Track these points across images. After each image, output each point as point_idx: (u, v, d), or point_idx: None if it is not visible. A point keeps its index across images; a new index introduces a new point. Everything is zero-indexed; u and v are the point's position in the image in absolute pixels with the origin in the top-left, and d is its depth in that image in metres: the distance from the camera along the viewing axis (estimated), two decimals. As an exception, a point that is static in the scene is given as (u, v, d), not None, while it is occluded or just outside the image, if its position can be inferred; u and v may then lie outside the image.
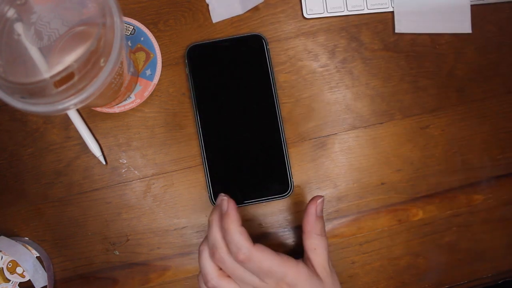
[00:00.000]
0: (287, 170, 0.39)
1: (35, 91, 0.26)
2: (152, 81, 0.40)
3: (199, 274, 0.34)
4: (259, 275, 0.31)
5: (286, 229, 0.41)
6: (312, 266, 0.34)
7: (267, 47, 0.40)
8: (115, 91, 0.34)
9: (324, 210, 0.40)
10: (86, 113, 0.41)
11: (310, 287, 0.32)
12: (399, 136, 0.41)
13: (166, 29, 0.41)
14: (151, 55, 0.41)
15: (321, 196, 0.35)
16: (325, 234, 0.35)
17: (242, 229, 0.32)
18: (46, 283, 0.40)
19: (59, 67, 0.25)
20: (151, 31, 0.41)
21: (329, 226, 0.41)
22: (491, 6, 0.41)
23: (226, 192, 0.39)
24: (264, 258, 0.31)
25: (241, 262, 0.31)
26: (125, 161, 0.41)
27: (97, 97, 0.27)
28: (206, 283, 0.33)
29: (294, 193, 0.41)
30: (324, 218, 0.40)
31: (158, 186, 0.41)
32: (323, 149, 0.41)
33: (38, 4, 0.26)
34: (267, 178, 0.39)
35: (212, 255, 0.33)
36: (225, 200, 0.33)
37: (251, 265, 0.31)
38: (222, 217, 0.32)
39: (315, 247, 0.34)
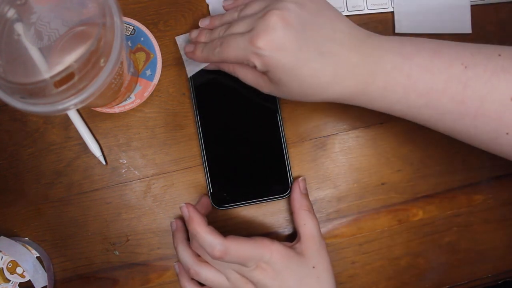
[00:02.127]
0: (287, 170, 0.39)
1: (35, 91, 0.26)
2: (152, 81, 0.40)
3: (180, 271, 0.36)
4: (240, 262, 0.32)
5: (286, 229, 0.41)
6: (300, 242, 0.35)
7: (267, 47, 0.40)
8: (115, 91, 0.34)
9: (324, 210, 0.41)
10: (86, 113, 0.41)
11: (287, 262, 0.32)
12: (399, 136, 0.41)
13: (166, 29, 0.41)
14: (151, 55, 0.41)
15: (301, 176, 0.39)
16: (313, 212, 0.37)
17: (209, 228, 0.32)
18: (46, 283, 0.40)
19: (59, 67, 0.25)
20: (151, 31, 0.41)
21: (329, 226, 0.41)
22: (491, 6, 0.41)
23: (226, 192, 0.39)
24: (239, 247, 0.31)
25: (219, 258, 0.31)
26: (125, 161, 0.41)
27: (97, 97, 0.27)
28: (187, 271, 0.34)
29: (294, 193, 0.41)
30: (324, 218, 0.41)
31: (158, 186, 0.41)
32: (323, 149, 0.41)
33: (38, 4, 0.26)
34: (267, 178, 0.39)
35: (187, 271, 0.34)
36: (183, 207, 0.33)
37: (229, 258, 0.31)
38: (187, 223, 0.33)
39: (304, 222, 0.36)
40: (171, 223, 0.39)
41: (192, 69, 0.38)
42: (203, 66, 0.38)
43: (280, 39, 0.29)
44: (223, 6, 0.36)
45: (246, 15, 0.32)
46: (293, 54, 0.29)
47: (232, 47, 0.31)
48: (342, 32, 0.30)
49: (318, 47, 0.29)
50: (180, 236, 0.37)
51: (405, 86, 0.29)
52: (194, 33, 0.37)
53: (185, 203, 0.34)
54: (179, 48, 0.39)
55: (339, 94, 0.31)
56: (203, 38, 0.36)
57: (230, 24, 0.33)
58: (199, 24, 0.37)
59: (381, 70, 0.29)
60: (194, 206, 0.34)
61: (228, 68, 0.35)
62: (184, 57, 0.39)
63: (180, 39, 0.40)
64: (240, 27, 0.31)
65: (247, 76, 0.34)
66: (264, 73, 0.31)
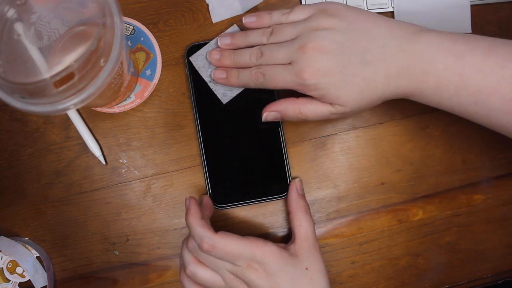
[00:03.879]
0: (286, 170, 0.39)
1: (35, 91, 0.26)
2: (152, 81, 0.40)
3: (181, 265, 0.36)
4: (229, 259, 0.32)
5: (286, 229, 0.41)
6: (294, 242, 0.35)
7: (267, 47, 0.40)
8: (115, 91, 0.34)
9: (324, 210, 0.40)
10: (86, 113, 0.41)
11: (280, 263, 0.32)
12: (399, 136, 0.41)
13: (166, 29, 0.41)
14: (151, 55, 0.41)
15: (298, 177, 0.39)
16: (309, 213, 0.37)
17: (202, 222, 0.33)
18: (46, 283, 0.40)
19: (59, 67, 0.25)
20: (151, 31, 0.41)
21: (329, 226, 0.41)
22: (491, 6, 0.41)
23: (226, 192, 0.39)
24: (228, 242, 0.32)
25: (207, 252, 0.32)
26: (125, 161, 0.41)
27: (97, 97, 0.27)
28: (184, 269, 0.34)
29: (294, 193, 0.41)
30: (324, 218, 0.41)
31: (158, 186, 0.41)
32: (323, 149, 0.41)
33: (38, 4, 0.26)
34: (266, 178, 0.39)
35: (184, 270, 0.34)
36: (186, 199, 0.35)
37: (217, 252, 0.32)
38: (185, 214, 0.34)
39: (300, 223, 0.36)
40: (185, 199, 0.37)
41: (227, 95, 0.38)
42: (239, 90, 0.38)
43: (323, 67, 0.31)
44: (245, 23, 0.36)
45: (278, 41, 0.34)
46: (340, 74, 0.31)
47: (277, 80, 0.33)
48: (383, 36, 0.31)
49: (362, 58, 0.31)
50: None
51: (457, 85, 0.30)
52: (216, 55, 0.37)
53: (189, 196, 0.35)
54: (197, 68, 0.38)
55: (394, 93, 0.32)
56: (227, 61, 0.36)
57: (260, 50, 0.34)
58: (219, 43, 0.37)
59: (433, 69, 0.30)
60: (196, 200, 0.35)
61: (293, 113, 0.35)
62: (206, 80, 0.38)
63: (195, 59, 0.38)
64: (278, 57, 0.33)
65: (316, 113, 0.34)
66: (322, 99, 0.33)
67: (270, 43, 0.34)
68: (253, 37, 0.35)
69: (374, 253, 0.41)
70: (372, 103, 0.33)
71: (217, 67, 0.37)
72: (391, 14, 0.41)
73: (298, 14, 0.34)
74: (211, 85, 0.38)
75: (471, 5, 0.41)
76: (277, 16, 0.35)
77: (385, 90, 0.32)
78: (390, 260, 0.41)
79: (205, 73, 0.38)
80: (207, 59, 0.38)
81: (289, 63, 0.33)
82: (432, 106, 0.32)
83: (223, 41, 0.37)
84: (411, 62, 0.30)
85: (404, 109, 0.41)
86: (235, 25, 0.38)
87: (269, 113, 0.35)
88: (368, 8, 0.41)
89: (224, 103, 0.38)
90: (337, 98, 0.32)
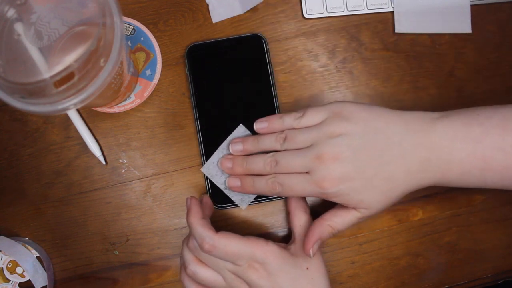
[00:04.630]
0: (287, 170, 0.39)
1: (35, 91, 0.26)
2: (152, 81, 0.40)
3: (181, 265, 0.36)
4: (229, 259, 0.32)
5: (286, 229, 0.41)
6: (294, 242, 0.35)
7: (267, 47, 0.40)
8: (115, 91, 0.34)
9: (324, 210, 0.40)
10: (86, 113, 0.41)
11: (281, 263, 0.32)
12: (399, 136, 0.41)
13: (166, 29, 0.41)
14: (151, 55, 0.41)
15: None
16: (309, 213, 0.37)
17: (203, 221, 0.33)
18: (46, 283, 0.40)
19: (59, 67, 0.25)
20: (151, 31, 0.41)
21: (329, 226, 0.41)
22: (491, 6, 0.41)
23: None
24: (229, 242, 0.32)
25: (207, 252, 0.32)
26: (125, 161, 0.41)
27: (97, 97, 0.27)
28: (185, 269, 0.34)
29: (294, 193, 0.40)
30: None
31: (158, 186, 0.41)
32: (323, 149, 0.40)
33: (38, 4, 0.26)
34: (267, 178, 0.39)
35: (185, 269, 0.34)
36: (188, 199, 0.35)
37: (218, 252, 0.32)
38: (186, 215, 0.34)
39: (300, 223, 0.36)
40: (186, 199, 0.37)
41: (245, 200, 0.38)
42: (256, 195, 0.38)
43: (342, 174, 0.31)
44: (256, 129, 0.36)
45: (292, 148, 0.33)
46: (360, 178, 0.31)
47: (295, 190, 0.33)
48: (398, 133, 0.31)
49: (380, 160, 0.31)
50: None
51: (481, 168, 0.30)
52: (228, 163, 0.36)
53: (191, 196, 0.35)
54: (210, 177, 0.37)
55: (418, 186, 0.32)
56: (240, 169, 0.35)
57: (274, 158, 0.33)
58: (231, 149, 0.36)
59: (455, 159, 0.30)
60: (197, 200, 0.35)
61: (328, 233, 0.34)
62: (221, 187, 0.37)
63: (207, 168, 0.37)
64: (294, 166, 0.32)
65: (345, 223, 0.33)
66: (345, 204, 0.32)
67: (284, 150, 0.34)
68: (266, 143, 0.35)
69: (374, 253, 0.41)
70: (396, 199, 0.32)
71: (230, 175, 0.37)
72: (391, 14, 0.41)
73: (310, 119, 0.33)
74: (226, 192, 0.37)
75: (471, 5, 0.41)
76: (289, 121, 0.34)
77: (407, 186, 0.31)
78: (390, 260, 0.41)
79: (219, 181, 0.37)
80: (218, 167, 0.37)
81: (306, 172, 0.32)
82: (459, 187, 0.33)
83: (235, 147, 0.36)
84: (431, 156, 0.30)
85: (404, 109, 0.40)
86: (241, 125, 0.37)
87: (313, 247, 0.33)
88: (368, 8, 0.41)
89: (243, 208, 0.38)
90: (360, 202, 0.32)
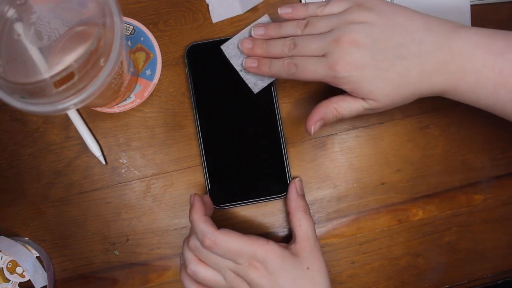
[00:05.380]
0: (286, 170, 0.39)
1: (35, 91, 0.26)
2: (152, 81, 0.40)
3: (182, 264, 0.36)
4: (230, 257, 0.32)
5: (286, 229, 0.41)
6: (295, 242, 0.35)
7: (267, 47, 0.40)
8: (115, 91, 0.34)
9: (324, 210, 0.41)
10: (86, 113, 0.41)
11: (282, 263, 0.32)
12: (399, 136, 0.41)
13: (166, 29, 0.41)
14: (151, 55, 0.41)
15: (297, 177, 0.39)
16: (309, 213, 0.37)
17: (205, 218, 0.33)
18: (46, 283, 0.40)
19: (59, 67, 0.25)
20: (151, 31, 0.41)
21: (329, 226, 0.41)
22: (491, 6, 0.41)
23: (226, 192, 0.39)
24: (230, 240, 0.32)
25: (209, 248, 0.32)
26: (125, 161, 0.41)
27: (97, 97, 0.27)
28: (185, 268, 0.34)
29: (294, 193, 0.41)
30: (324, 218, 0.41)
31: (158, 186, 0.41)
32: (323, 149, 0.41)
33: (38, 4, 0.26)
34: (266, 178, 0.39)
35: (185, 269, 0.34)
36: (191, 196, 0.36)
37: (218, 249, 0.32)
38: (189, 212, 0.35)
39: (300, 223, 0.36)
40: (190, 196, 0.38)
41: (258, 84, 0.38)
42: (271, 80, 0.38)
43: (357, 61, 0.31)
44: (280, 14, 0.36)
45: (312, 33, 0.33)
46: (373, 68, 0.31)
47: (309, 71, 0.33)
48: (419, 32, 0.31)
49: (396, 53, 0.31)
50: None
51: (496, 82, 0.29)
52: (248, 44, 0.36)
53: (194, 193, 0.36)
54: (228, 57, 0.38)
55: (429, 90, 0.31)
56: (259, 50, 0.36)
57: (293, 41, 0.34)
58: (252, 33, 0.37)
59: (471, 67, 0.30)
60: (201, 197, 0.35)
61: (332, 114, 0.34)
62: (237, 68, 0.37)
63: (226, 48, 0.38)
64: (311, 49, 0.33)
65: (351, 110, 0.33)
66: (354, 93, 0.32)
67: (304, 35, 0.34)
68: (288, 29, 0.35)
69: (374, 253, 0.41)
70: (405, 99, 0.32)
71: (249, 56, 0.37)
72: (391, 14, 0.41)
73: (334, 7, 0.34)
74: (242, 74, 0.37)
75: (471, 5, 0.41)
76: (312, 9, 0.35)
77: (419, 86, 0.31)
78: (390, 260, 0.41)
79: (236, 62, 0.38)
80: (238, 48, 0.37)
81: (322, 55, 0.32)
82: (467, 103, 0.32)
83: (257, 31, 0.37)
84: (449, 59, 0.30)
85: (404, 109, 0.41)
86: (266, 15, 0.38)
87: (315, 125, 0.34)
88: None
89: (255, 92, 0.38)
90: (370, 92, 0.31)
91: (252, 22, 0.40)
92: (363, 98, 0.32)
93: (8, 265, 0.41)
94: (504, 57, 0.29)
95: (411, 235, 0.41)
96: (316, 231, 0.40)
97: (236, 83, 0.39)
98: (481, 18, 0.41)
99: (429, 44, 0.30)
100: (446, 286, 0.41)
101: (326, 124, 0.34)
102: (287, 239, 0.41)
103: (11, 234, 0.41)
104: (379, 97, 0.32)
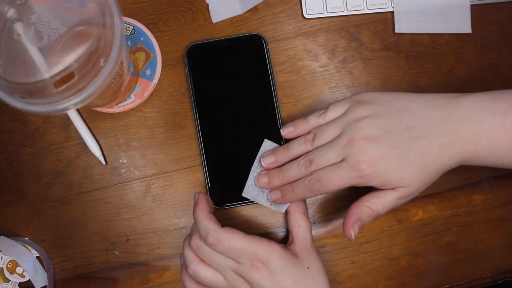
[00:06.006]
0: (287, 170, 0.39)
1: (35, 91, 0.26)
2: (152, 81, 0.40)
3: (182, 264, 0.36)
4: (232, 256, 0.32)
5: (285, 229, 0.41)
6: (294, 243, 0.35)
7: (267, 47, 0.40)
8: (115, 91, 0.34)
9: (323, 210, 0.40)
10: (86, 113, 0.41)
11: (283, 263, 0.32)
12: (399, 136, 0.41)
13: (166, 29, 0.41)
14: (151, 55, 0.41)
15: None
16: (307, 214, 0.37)
17: (209, 215, 0.33)
18: (46, 283, 0.40)
19: (59, 67, 0.25)
20: (151, 31, 0.41)
21: (329, 226, 0.41)
22: (491, 6, 0.41)
23: (226, 192, 0.39)
24: (233, 238, 0.32)
25: (211, 245, 0.32)
26: (125, 161, 0.41)
27: (97, 97, 0.27)
28: (186, 268, 0.34)
29: (294, 193, 0.40)
30: (324, 218, 0.41)
31: (158, 186, 0.41)
32: (323, 149, 0.40)
33: (38, 4, 0.26)
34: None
35: (186, 269, 0.34)
36: (196, 194, 0.36)
37: (221, 247, 0.32)
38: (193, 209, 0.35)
39: (299, 224, 0.36)
40: (194, 194, 0.37)
41: (284, 205, 0.37)
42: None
43: (377, 154, 0.30)
44: (284, 135, 0.36)
45: (323, 143, 0.33)
46: (394, 156, 0.31)
47: (334, 180, 0.32)
48: (422, 110, 0.31)
49: (410, 135, 0.31)
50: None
51: (510, 142, 0.30)
52: (264, 179, 0.36)
53: (199, 191, 0.36)
54: (253, 200, 0.37)
55: (452, 162, 0.31)
56: (277, 181, 0.35)
57: (307, 158, 0.33)
58: (263, 164, 0.36)
59: (484, 130, 0.30)
60: (205, 195, 0.35)
61: (367, 215, 0.33)
62: (267, 205, 0.37)
63: (247, 192, 0.37)
64: (328, 159, 0.32)
65: (385, 205, 0.33)
66: (384, 186, 0.32)
67: (315, 148, 0.34)
68: (296, 147, 0.35)
69: (374, 253, 0.41)
70: (433, 177, 0.32)
71: (271, 189, 0.36)
72: (391, 14, 0.41)
73: (334, 111, 0.34)
74: (273, 208, 0.37)
75: (471, 5, 0.41)
76: (314, 119, 0.35)
77: (441, 161, 0.31)
78: (390, 260, 0.41)
79: (263, 200, 0.37)
80: (257, 186, 0.37)
81: (341, 160, 0.32)
82: (489, 166, 0.32)
83: (267, 161, 0.36)
84: (460, 127, 0.30)
85: (404, 109, 0.41)
86: (265, 140, 0.37)
87: (354, 228, 0.33)
88: (368, 8, 0.41)
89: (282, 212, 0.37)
90: (399, 180, 0.31)
91: (252, 22, 0.40)
92: (393, 189, 0.32)
93: (8, 265, 0.41)
94: (509, 117, 0.30)
95: (411, 235, 0.41)
96: (316, 231, 0.40)
97: (236, 83, 0.39)
98: (481, 18, 0.41)
99: (436, 118, 0.31)
100: (446, 286, 0.41)
101: (364, 224, 0.33)
102: (286, 239, 0.41)
103: (11, 234, 0.41)
104: (409, 182, 0.31)
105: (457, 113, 0.31)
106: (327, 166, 0.32)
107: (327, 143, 0.33)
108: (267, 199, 0.37)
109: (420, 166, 0.31)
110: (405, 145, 0.31)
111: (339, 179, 0.32)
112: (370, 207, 0.32)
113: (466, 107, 0.31)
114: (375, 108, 0.32)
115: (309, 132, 0.34)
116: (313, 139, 0.34)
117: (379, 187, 0.32)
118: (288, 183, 0.35)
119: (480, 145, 0.30)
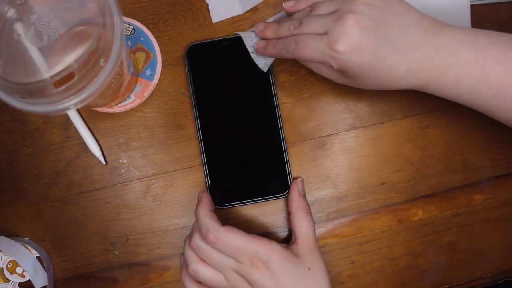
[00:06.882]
0: (287, 170, 0.39)
1: (35, 91, 0.26)
2: (152, 81, 0.40)
3: (182, 264, 0.36)
4: (232, 254, 0.32)
5: (286, 229, 0.41)
6: (296, 243, 0.35)
7: (267, 47, 0.40)
8: (115, 91, 0.34)
9: (324, 210, 0.40)
10: (86, 113, 0.41)
11: (284, 263, 0.32)
12: (399, 136, 0.41)
13: (166, 29, 0.41)
14: (151, 55, 0.41)
15: (299, 177, 0.39)
16: (310, 214, 0.37)
17: (211, 214, 0.34)
18: (46, 283, 0.40)
19: (59, 67, 0.25)
20: (151, 31, 0.41)
21: (329, 226, 0.41)
22: (491, 6, 0.41)
23: (226, 192, 0.39)
24: (234, 236, 0.32)
25: (211, 243, 0.32)
26: (125, 161, 0.41)
27: (97, 97, 0.27)
28: (186, 267, 0.34)
29: (294, 193, 0.41)
30: (324, 218, 0.41)
31: (158, 186, 0.41)
32: (323, 149, 0.41)
33: (38, 4, 0.26)
34: (266, 177, 0.39)
35: (186, 268, 0.35)
36: (199, 193, 0.37)
37: (221, 245, 0.32)
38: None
39: (301, 224, 0.36)
40: (198, 193, 0.38)
41: (265, 64, 0.39)
42: (273, 59, 0.39)
43: (357, 43, 0.30)
44: (284, 9, 0.37)
45: (315, 15, 0.34)
46: (370, 55, 0.31)
47: (308, 48, 0.32)
48: (414, 26, 0.31)
49: (392, 44, 0.31)
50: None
51: (478, 78, 0.30)
52: (260, 26, 0.38)
53: (203, 190, 0.36)
54: (245, 43, 0.39)
55: (412, 85, 0.32)
56: (269, 32, 0.37)
57: (299, 20, 0.34)
58: (272, 18, 0.38)
59: (455, 62, 0.30)
60: (209, 195, 0.36)
61: (303, 62, 0.36)
62: (250, 50, 0.39)
63: (244, 34, 0.39)
64: (313, 27, 0.33)
65: (322, 71, 0.35)
66: (342, 72, 0.33)
67: (310, 15, 0.34)
68: (296, 15, 0.36)
69: (374, 253, 0.41)
70: (385, 88, 0.33)
71: (261, 38, 0.38)
72: (391, 14, 0.41)
73: None
74: (253, 55, 0.38)
75: (471, 5, 0.41)
76: None
77: (402, 82, 0.32)
78: (390, 260, 0.41)
79: (249, 44, 0.39)
80: (253, 31, 0.39)
81: (324, 34, 0.32)
82: (448, 99, 0.32)
83: (268, 20, 0.39)
84: (434, 55, 0.31)
85: (404, 109, 0.41)
86: (283, 11, 0.39)
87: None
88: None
89: (264, 71, 0.39)
90: (355, 77, 0.32)
91: (252, 22, 0.40)
92: (344, 75, 0.33)
93: (8, 265, 0.41)
94: (485, 54, 0.30)
95: (411, 235, 0.41)
96: (316, 231, 0.40)
97: (236, 83, 0.39)
98: (481, 18, 0.41)
99: (421, 40, 0.31)
100: (446, 286, 0.41)
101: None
102: (287, 240, 0.41)
103: (11, 234, 0.41)
104: (358, 82, 0.33)
105: (438, 40, 0.31)
106: (310, 34, 0.33)
107: (320, 15, 0.34)
108: (253, 46, 0.38)
109: (380, 76, 0.32)
110: (384, 51, 0.31)
111: (313, 49, 0.32)
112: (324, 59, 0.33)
113: (448, 36, 0.31)
114: (376, 0, 0.32)
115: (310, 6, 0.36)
116: (311, 10, 0.35)
117: (337, 69, 0.33)
118: (275, 39, 0.36)
119: (446, 75, 0.31)
